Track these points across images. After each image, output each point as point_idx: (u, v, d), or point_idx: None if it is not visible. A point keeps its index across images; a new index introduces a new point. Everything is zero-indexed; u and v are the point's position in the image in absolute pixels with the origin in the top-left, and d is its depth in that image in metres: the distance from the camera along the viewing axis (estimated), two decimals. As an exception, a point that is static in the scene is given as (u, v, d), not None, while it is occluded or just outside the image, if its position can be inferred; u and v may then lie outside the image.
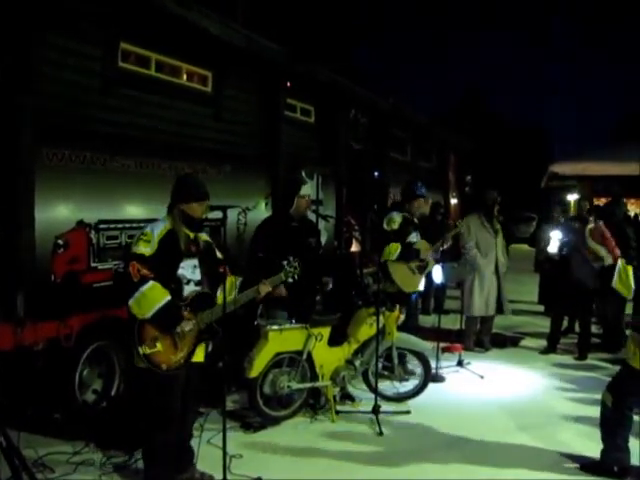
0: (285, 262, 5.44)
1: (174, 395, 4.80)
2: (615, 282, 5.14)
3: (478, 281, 9.27)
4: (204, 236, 5.10)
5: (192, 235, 4.92)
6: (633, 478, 5.23)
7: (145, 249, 4.66)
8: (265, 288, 5.24)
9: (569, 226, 9.81)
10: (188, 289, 4.85)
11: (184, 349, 4.76)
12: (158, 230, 4.76)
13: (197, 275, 4.90)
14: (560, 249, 9.75)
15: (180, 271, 4.81)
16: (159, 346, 4.66)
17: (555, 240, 10.04)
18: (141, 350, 4.63)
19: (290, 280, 5.53)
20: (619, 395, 5.22)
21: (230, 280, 5.05)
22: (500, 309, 9.53)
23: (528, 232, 20.73)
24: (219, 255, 5.17)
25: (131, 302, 4.58)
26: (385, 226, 7.80)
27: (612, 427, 5.27)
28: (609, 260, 5.22)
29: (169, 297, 4.65)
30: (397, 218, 7.81)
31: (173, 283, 4.76)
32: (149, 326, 4.65)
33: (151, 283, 4.59)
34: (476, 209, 9.65)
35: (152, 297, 4.59)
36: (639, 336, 5.10)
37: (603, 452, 5.33)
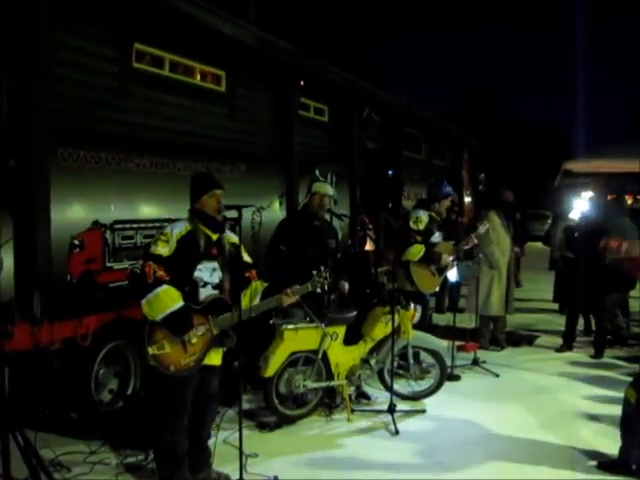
0: (315, 272, 5.35)
1: (184, 397, 4.80)
2: None
3: (497, 281, 9.26)
4: (232, 238, 5.06)
5: (215, 237, 4.88)
6: None
7: (163, 249, 4.66)
8: (288, 299, 5.16)
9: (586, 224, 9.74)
10: (205, 292, 4.82)
11: (195, 353, 4.74)
12: (178, 230, 4.76)
13: (215, 278, 4.87)
14: (581, 220, 9.85)
15: (197, 273, 4.78)
16: (167, 348, 4.67)
17: (578, 210, 10.08)
18: (150, 350, 4.66)
19: (319, 291, 5.45)
20: None
21: (254, 286, 5.05)
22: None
23: (542, 230, 20.67)
24: (248, 259, 5.15)
25: (143, 302, 4.60)
26: (412, 224, 7.79)
27: (633, 425, 5.19)
28: None
29: (182, 303, 4.64)
30: (424, 218, 7.81)
31: (188, 285, 4.75)
32: (159, 328, 4.65)
33: (165, 287, 4.59)
34: (494, 208, 9.61)
35: (165, 301, 4.59)
36: None
37: (622, 450, 5.28)
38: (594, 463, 5.48)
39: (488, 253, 9.15)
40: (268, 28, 8.83)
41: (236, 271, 4.96)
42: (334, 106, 10.97)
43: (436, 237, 7.90)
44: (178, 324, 4.64)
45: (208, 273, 4.84)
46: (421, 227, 7.76)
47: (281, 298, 5.12)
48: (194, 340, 4.71)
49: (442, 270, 7.90)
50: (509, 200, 9.64)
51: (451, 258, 7.92)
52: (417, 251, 7.61)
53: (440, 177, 10.05)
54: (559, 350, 9.43)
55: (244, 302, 4.92)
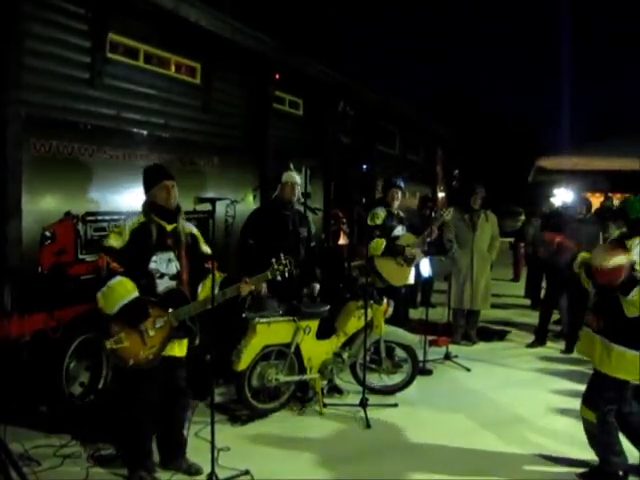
0: (274, 259, 5.34)
1: (148, 391, 4.84)
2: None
3: (455, 274, 9.29)
4: (189, 228, 5.07)
5: (169, 227, 4.90)
6: (634, 475, 5.13)
7: (115, 242, 4.72)
8: (247, 287, 5.17)
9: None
10: (162, 283, 4.85)
11: (154, 345, 4.78)
12: (131, 222, 4.82)
13: (172, 269, 4.89)
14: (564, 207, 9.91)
15: (152, 265, 4.81)
16: (126, 342, 4.71)
17: (559, 199, 10.14)
18: (108, 345, 4.69)
19: (279, 278, 5.41)
20: (600, 408, 4.97)
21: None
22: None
23: (515, 226, 20.87)
24: (206, 250, 5.15)
25: (99, 295, 4.65)
26: (369, 221, 7.87)
27: (603, 438, 5.04)
28: (628, 258, 4.69)
29: (136, 293, 4.68)
30: (381, 213, 7.89)
31: (144, 277, 4.78)
32: (115, 321, 4.68)
33: (119, 278, 4.64)
34: (456, 204, 9.69)
35: (119, 292, 4.63)
36: (604, 339, 4.93)
37: (602, 462, 5.10)
38: (564, 460, 5.51)
39: (446, 245, 9.25)
40: (245, 21, 8.79)
41: (193, 262, 4.98)
42: (309, 100, 10.95)
43: (399, 230, 7.98)
44: (133, 315, 4.68)
45: (164, 264, 4.86)
46: (378, 222, 7.84)
47: (239, 287, 5.12)
48: (152, 332, 4.74)
49: (410, 261, 7.92)
50: (467, 193, 9.62)
51: (418, 247, 7.95)
52: (378, 245, 7.66)
53: (393, 173, 10.20)
54: (530, 345, 9.50)
55: (202, 293, 4.98)
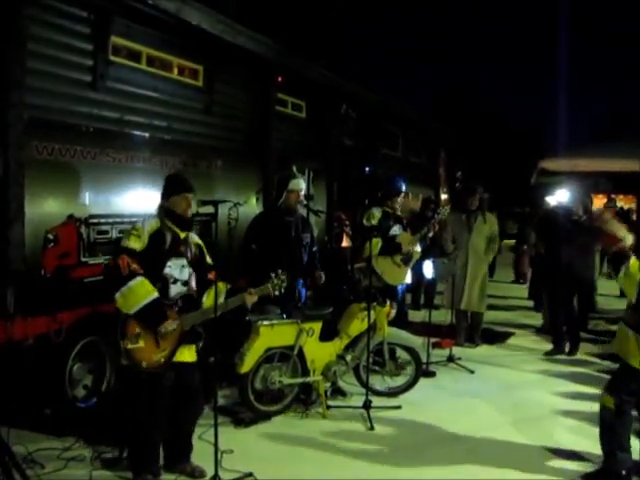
0: (273, 274, 5.40)
1: (157, 395, 4.82)
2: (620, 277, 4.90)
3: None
4: (195, 239, 5.13)
5: (183, 235, 4.94)
6: (636, 476, 5.11)
7: (136, 244, 4.73)
8: (251, 298, 5.28)
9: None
10: (175, 289, 4.89)
11: (166, 348, 4.79)
12: (149, 226, 4.83)
13: (185, 275, 4.94)
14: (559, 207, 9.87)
15: (167, 270, 4.85)
16: (141, 342, 4.72)
17: (555, 200, 10.09)
18: (122, 344, 4.70)
19: (277, 293, 5.47)
20: (621, 397, 4.98)
21: (218, 286, 5.05)
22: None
23: (515, 228, 20.88)
24: (209, 261, 5.21)
25: (118, 295, 4.64)
26: (365, 222, 7.87)
27: (616, 430, 5.03)
28: (629, 240, 4.76)
29: (156, 295, 4.71)
30: (376, 213, 7.88)
31: (159, 281, 4.81)
32: (133, 321, 4.70)
33: (140, 279, 4.65)
34: (454, 205, 9.66)
35: (139, 293, 4.64)
36: (637, 334, 4.87)
37: (607, 457, 5.10)
38: (569, 462, 5.49)
39: (443, 246, 9.25)
40: (248, 23, 8.79)
41: (201, 271, 5.04)
42: (312, 102, 10.96)
43: (395, 230, 7.96)
44: (153, 316, 4.70)
45: (178, 270, 4.90)
46: (374, 222, 7.81)
47: (244, 297, 5.23)
48: (166, 335, 4.74)
49: (407, 260, 7.90)
50: (465, 195, 9.60)
51: (418, 248, 7.94)
52: (374, 245, 7.62)
53: (393, 174, 10.14)
54: (549, 354, 9.11)
55: (207, 302, 5.00)
